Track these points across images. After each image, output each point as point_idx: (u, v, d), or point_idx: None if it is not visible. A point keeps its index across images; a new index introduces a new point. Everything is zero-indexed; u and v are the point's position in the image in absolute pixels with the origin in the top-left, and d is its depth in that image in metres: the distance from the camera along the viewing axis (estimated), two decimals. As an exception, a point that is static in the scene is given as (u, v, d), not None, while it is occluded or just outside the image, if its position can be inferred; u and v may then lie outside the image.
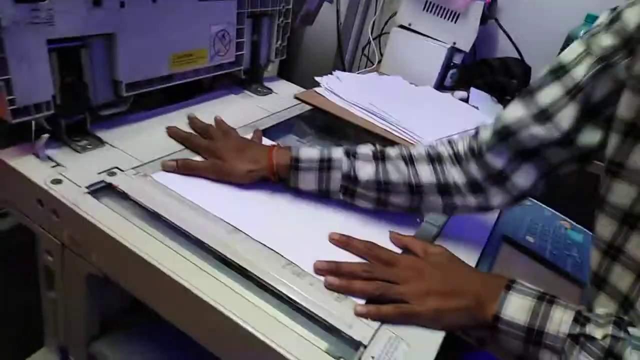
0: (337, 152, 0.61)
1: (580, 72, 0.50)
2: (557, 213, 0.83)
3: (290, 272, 0.51)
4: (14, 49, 0.51)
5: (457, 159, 0.60)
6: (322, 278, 0.51)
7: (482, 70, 1.28)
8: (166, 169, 0.61)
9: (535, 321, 0.46)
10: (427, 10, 1.23)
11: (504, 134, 0.55)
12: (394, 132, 0.90)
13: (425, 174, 0.59)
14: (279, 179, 0.62)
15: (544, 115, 0.52)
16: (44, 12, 0.52)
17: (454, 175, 0.59)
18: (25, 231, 0.59)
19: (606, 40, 0.48)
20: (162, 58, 0.69)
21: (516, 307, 0.47)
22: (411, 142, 0.87)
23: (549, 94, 0.52)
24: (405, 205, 0.61)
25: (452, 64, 1.25)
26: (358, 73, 1.21)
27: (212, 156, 0.63)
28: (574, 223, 0.82)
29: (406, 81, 1.18)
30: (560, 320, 0.45)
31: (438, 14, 1.22)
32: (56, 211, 0.53)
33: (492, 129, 0.57)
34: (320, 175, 0.60)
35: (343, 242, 0.56)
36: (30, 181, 0.53)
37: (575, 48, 0.52)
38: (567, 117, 0.51)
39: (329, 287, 0.50)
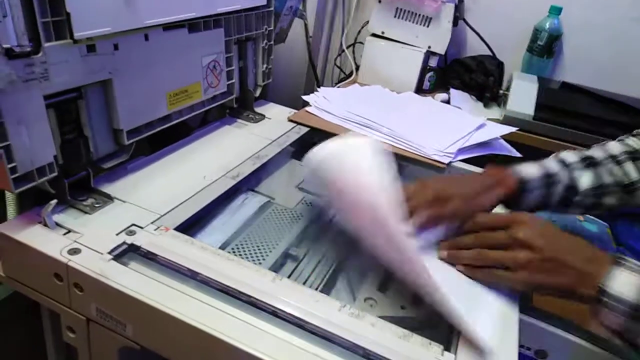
0: (552, 165, 0.62)
1: None
2: (567, 206, 0.83)
3: (347, 314, 0.48)
4: (11, 112, 0.45)
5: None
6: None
7: (457, 70, 1.29)
8: None
9: None
10: (398, 17, 1.22)
11: None
12: (393, 144, 0.88)
13: (633, 171, 0.62)
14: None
15: None
16: (39, 67, 0.47)
17: None
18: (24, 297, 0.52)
19: None
20: (160, 98, 0.64)
21: (624, 283, 0.45)
22: (412, 152, 0.86)
23: None
24: (616, 204, 0.63)
25: (428, 67, 1.26)
26: (338, 86, 1.19)
27: None
28: (586, 215, 0.82)
29: (387, 89, 1.17)
30: None
31: (410, 20, 1.22)
32: (79, 284, 0.47)
33: None
34: (545, 192, 0.61)
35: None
36: (45, 255, 0.48)
37: None
38: None
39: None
